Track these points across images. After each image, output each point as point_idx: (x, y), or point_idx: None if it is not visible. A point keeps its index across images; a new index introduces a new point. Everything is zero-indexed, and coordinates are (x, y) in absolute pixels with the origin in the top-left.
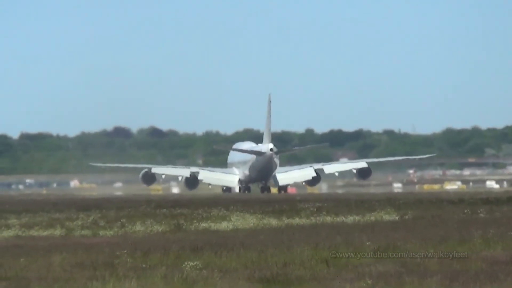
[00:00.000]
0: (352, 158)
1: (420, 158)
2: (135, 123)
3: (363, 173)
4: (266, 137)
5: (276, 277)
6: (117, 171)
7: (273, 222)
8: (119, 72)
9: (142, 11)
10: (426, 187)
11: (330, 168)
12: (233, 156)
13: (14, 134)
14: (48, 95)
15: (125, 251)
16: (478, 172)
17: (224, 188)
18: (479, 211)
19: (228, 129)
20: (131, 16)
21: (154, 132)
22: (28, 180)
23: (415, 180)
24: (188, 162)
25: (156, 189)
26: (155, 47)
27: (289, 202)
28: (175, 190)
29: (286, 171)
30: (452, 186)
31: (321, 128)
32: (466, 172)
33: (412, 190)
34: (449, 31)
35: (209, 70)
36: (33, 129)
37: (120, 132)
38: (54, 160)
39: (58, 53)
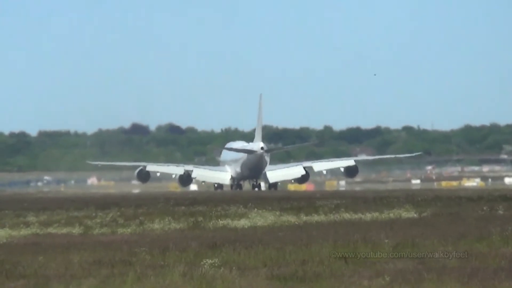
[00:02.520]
0: (370, 154)
1: (415, 156)
2: (153, 120)
3: (350, 171)
4: (257, 136)
5: (295, 275)
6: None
7: (292, 219)
8: (137, 69)
9: (161, 11)
10: (444, 184)
11: (319, 166)
12: (225, 155)
13: (33, 132)
14: (66, 92)
15: (144, 248)
16: (497, 168)
17: (216, 185)
18: (497, 208)
19: (246, 126)
20: (148, 15)
21: (173, 129)
22: (46, 178)
23: (434, 177)
24: (206, 159)
25: (174, 186)
26: (174, 44)
27: (307, 199)
28: (193, 187)
29: (276, 169)
30: (470, 183)
31: (339, 125)
32: (485, 168)
33: (431, 187)
34: (468, 28)
35: (227, 68)
36: (51, 127)
37: (138, 129)
38: (72, 157)
39: (75, 51)
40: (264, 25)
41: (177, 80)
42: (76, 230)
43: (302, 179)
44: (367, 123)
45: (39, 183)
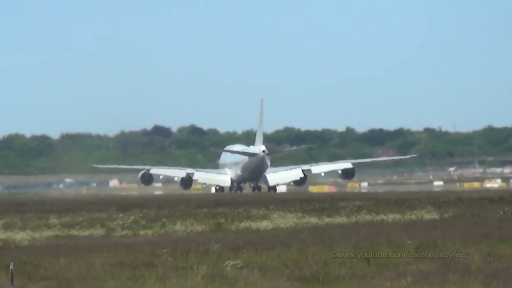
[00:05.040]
0: (392, 156)
1: (412, 157)
2: (175, 122)
3: (347, 174)
4: (258, 139)
5: (316, 276)
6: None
7: (314, 221)
8: (158, 70)
9: (183, 12)
10: (466, 185)
11: (317, 168)
12: (225, 158)
13: (55, 134)
14: (87, 95)
15: (166, 250)
16: None
17: (217, 187)
18: None
19: (268, 128)
20: (168, 18)
21: (195, 131)
22: (68, 180)
23: (456, 178)
24: None
25: (195, 188)
26: (195, 45)
27: (329, 200)
28: (214, 190)
29: (275, 172)
30: (492, 184)
31: (361, 126)
32: (507, 170)
33: (452, 188)
34: (489, 29)
35: (249, 70)
36: (73, 129)
37: (160, 131)
38: (94, 159)
39: (97, 53)
40: (286, 27)
41: (199, 82)
42: (98, 232)
43: (300, 182)
44: (389, 125)
45: (61, 185)
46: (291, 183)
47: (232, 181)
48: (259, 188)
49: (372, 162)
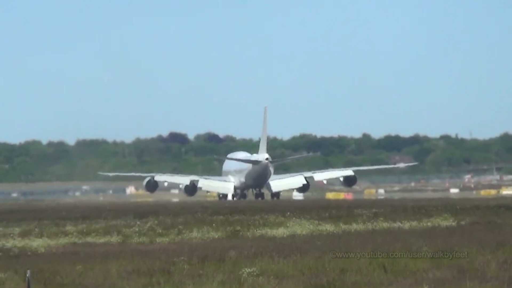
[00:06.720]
0: (409, 163)
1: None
2: (192, 129)
3: (349, 181)
4: (262, 147)
5: (333, 283)
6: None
7: (330, 228)
8: (175, 77)
9: (200, 22)
10: (483, 192)
11: (319, 176)
12: (228, 165)
13: (71, 141)
14: (104, 101)
15: (182, 257)
16: None
17: (221, 195)
18: None
19: (284, 134)
20: (184, 26)
21: (211, 138)
22: (84, 187)
23: (472, 186)
24: None
25: (212, 195)
26: (212, 51)
27: (345, 208)
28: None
29: (278, 179)
30: (509, 191)
31: (377, 133)
32: None
33: (469, 195)
34: (506, 37)
35: (265, 77)
36: (89, 136)
37: (176, 138)
38: (110, 166)
39: (113, 60)
40: (303, 33)
41: (215, 89)
42: (115, 239)
43: (303, 189)
44: (405, 131)
45: (77, 193)
46: (295, 190)
47: (235, 188)
48: (262, 195)
49: (376, 170)
